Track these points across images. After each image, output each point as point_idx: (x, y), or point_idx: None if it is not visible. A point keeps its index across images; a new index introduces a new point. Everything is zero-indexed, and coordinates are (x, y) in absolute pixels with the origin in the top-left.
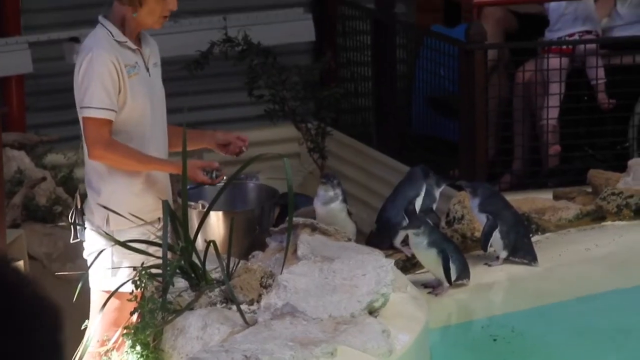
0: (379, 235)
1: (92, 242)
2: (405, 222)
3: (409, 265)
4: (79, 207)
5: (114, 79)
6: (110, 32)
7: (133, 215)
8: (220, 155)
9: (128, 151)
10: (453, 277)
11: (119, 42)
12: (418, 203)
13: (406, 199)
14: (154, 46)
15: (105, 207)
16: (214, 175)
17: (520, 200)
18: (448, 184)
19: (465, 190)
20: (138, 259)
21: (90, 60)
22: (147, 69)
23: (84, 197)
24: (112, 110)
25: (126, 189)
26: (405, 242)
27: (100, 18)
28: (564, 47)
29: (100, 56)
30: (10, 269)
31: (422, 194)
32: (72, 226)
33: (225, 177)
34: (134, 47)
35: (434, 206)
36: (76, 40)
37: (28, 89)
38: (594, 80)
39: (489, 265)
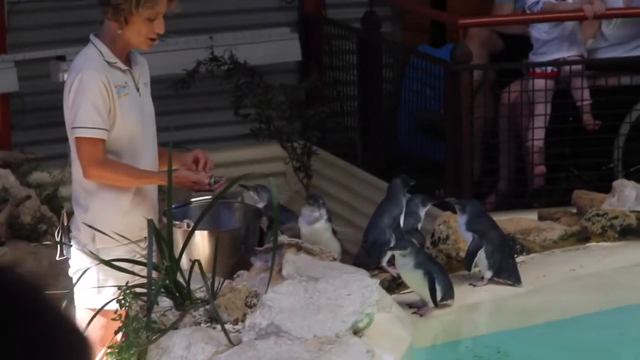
0: (366, 255)
1: (77, 260)
2: (393, 241)
3: (393, 285)
4: (65, 224)
5: (104, 99)
6: (101, 52)
7: (118, 234)
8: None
9: (123, 168)
10: (438, 298)
11: (108, 63)
12: (402, 217)
13: (391, 217)
14: (144, 65)
15: (90, 227)
16: (212, 180)
17: (505, 221)
18: (433, 204)
19: (454, 206)
20: (123, 278)
21: (81, 80)
22: (137, 89)
23: (70, 214)
24: (104, 129)
25: (114, 207)
26: (391, 262)
27: (92, 37)
28: (549, 71)
29: (90, 76)
30: (43, 298)
31: (404, 207)
32: (58, 243)
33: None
34: (124, 67)
35: (419, 226)
36: (62, 58)
37: (14, 107)
38: (579, 102)
39: (474, 286)
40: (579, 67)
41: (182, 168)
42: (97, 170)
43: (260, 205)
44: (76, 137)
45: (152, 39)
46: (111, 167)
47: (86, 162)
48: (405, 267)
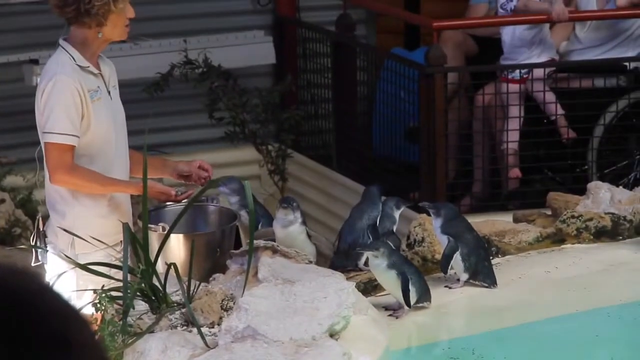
0: (344, 256)
1: (55, 265)
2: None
3: (369, 287)
4: (40, 229)
5: (77, 105)
6: (72, 57)
7: (95, 239)
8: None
9: (90, 175)
10: (413, 299)
11: (81, 67)
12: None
13: (369, 219)
14: (112, 68)
15: (67, 231)
16: (178, 192)
17: (480, 223)
18: (407, 206)
19: (429, 210)
20: (102, 283)
21: (54, 86)
22: (109, 92)
23: (45, 219)
24: (75, 135)
25: (92, 212)
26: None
27: (61, 41)
28: (520, 77)
29: (63, 82)
30: (71, 310)
31: (381, 211)
32: (33, 248)
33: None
34: (96, 71)
35: (394, 228)
36: (35, 62)
37: None
38: (552, 116)
39: (450, 288)
40: (548, 72)
41: (175, 175)
42: (64, 176)
43: (225, 192)
44: (45, 142)
45: (127, 26)
46: (78, 174)
47: (53, 167)
48: (378, 267)
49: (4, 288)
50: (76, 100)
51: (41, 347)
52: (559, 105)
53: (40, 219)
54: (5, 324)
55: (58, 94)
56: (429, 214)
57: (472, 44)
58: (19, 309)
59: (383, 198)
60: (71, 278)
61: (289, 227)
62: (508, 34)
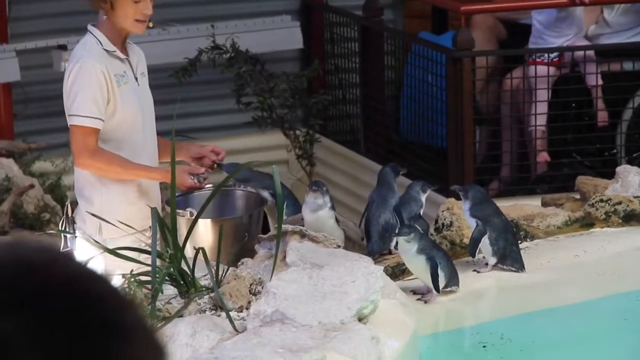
0: (380, 241)
1: (84, 250)
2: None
3: (397, 271)
4: (69, 215)
5: (102, 88)
6: (100, 41)
7: (123, 224)
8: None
9: (113, 159)
10: (442, 284)
11: (107, 52)
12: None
13: (395, 201)
14: (141, 55)
15: (95, 216)
16: (200, 179)
17: (509, 207)
18: (433, 189)
19: (458, 193)
20: (129, 267)
21: (80, 69)
22: (136, 79)
23: (75, 205)
24: (99, 119)
25: (121, 198)
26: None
27: (89, 27)
28: (552, 59)
29: (89, 65)
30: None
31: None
32: (62, 235)
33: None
34: (122, 56)
35: (421, 212)
36: (64, 48)
37: (16, 96)
38: (591, 87)
39: (478, 272)
40: (589, 52)
41: (188, 157)
42: (87, 159)
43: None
44: (70, 125)
45: (140, 21)
46: (101, 158)
47: (77, 150)
48: (408, 252)
49: (57, 274)
50: (101, 84)
51: (97, 333)
52: (598, 82)
53: (70, 205)
54: (63, 312)
55: (83, 77)
56: (458, 198)
57: (502, 28)
58: (73, 295)
59: (409, 182)
60: (99, 263)
61: (318, 212)
62: (539, 18)
